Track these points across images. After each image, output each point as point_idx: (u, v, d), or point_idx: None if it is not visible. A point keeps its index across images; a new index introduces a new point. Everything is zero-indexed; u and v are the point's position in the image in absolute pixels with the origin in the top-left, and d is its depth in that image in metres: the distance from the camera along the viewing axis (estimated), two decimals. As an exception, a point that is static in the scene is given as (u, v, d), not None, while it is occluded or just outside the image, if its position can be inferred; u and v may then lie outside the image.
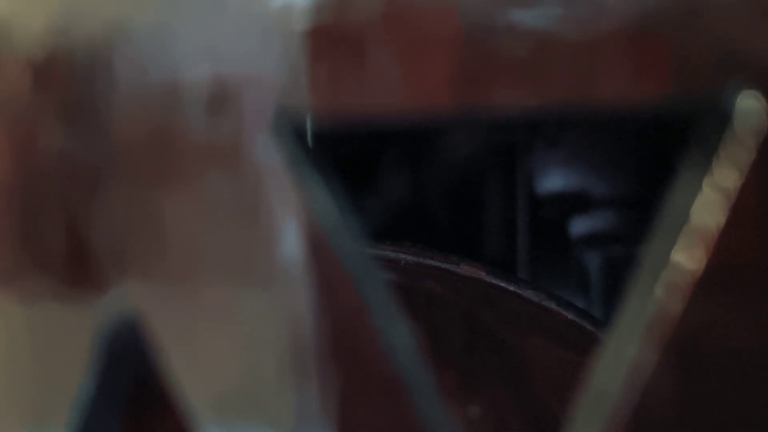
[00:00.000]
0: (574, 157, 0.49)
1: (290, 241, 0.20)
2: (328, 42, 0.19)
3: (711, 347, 0.18)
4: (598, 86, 0.18)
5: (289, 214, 0.20)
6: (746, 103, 0.17)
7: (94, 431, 0.22)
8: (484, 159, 0.48)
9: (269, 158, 0.20)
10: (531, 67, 0.18)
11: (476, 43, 0.18)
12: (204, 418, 0.21)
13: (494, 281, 0.32)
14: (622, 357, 0.18)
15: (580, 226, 0.49)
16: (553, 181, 0.49)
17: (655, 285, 0.18)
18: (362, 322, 0.20)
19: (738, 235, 0.18)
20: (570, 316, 0.32)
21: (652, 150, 0.46)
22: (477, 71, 0.18)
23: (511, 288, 0.32)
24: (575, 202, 0.49)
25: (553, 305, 0.32)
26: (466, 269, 0.32)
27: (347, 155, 0.47)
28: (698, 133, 0.18)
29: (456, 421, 0.20)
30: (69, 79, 0.21)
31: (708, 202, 0.18)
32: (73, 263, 0.21)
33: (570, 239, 0.49)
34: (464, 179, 0.48)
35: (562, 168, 0.49)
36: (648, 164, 0.47)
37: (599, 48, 0.18)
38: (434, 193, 0.48)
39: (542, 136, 0.48)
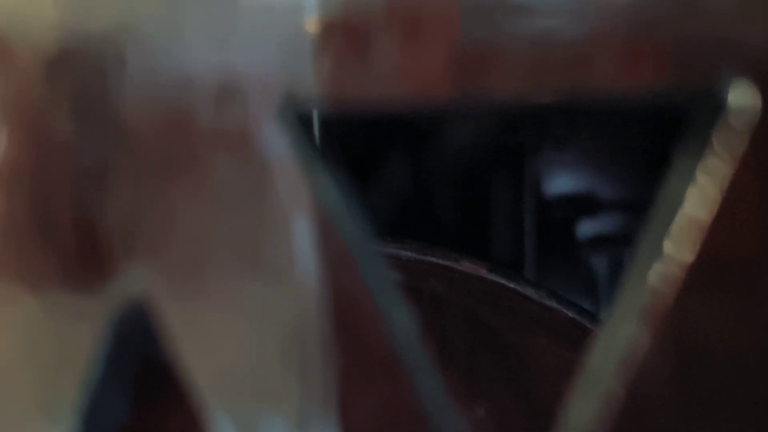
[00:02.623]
0: (582, 160, 0.49)
1: (298, 231, 0.20)
2: (334, 33, 0.19)
3: (708, 343, 0.18)
4: (595, 76, 0.18)
5: (297, 204, 0.20)
6: (739, 92, 0.17)
7: (101, 414, 0.22)
8: (493, 161, 0.48)
9: (277, 148, 0.20)
10: (529, 56, 0.18)
11: (475, 32, 0.18)
12: (212, 403, 0.21)
13: (495, 278, 0.32)
14: (617, 344, 0.18)
15: (587, 228, 0.49)
16: (561, 183, 0.49)
17: (649, 273, 0.18)
18: (366, 309, 0.20)
19: (733, 226, 0.18)
20: (571, 314, 0.32)
21: (659, 153, 0.46)
22: (476, 60, 0.18)
23: (512, 285, 0.32)
24: (583, 205, 0.49)
25: (554, 303, 0.32)
26: (466, 266, 0.32)
27: (356, 156, 0.47)
28: (692, 122, 0.18)
29: (459, 414, 0.21)
30: (80, 70, 0.21)
31: (701, 191, 0.18)
32: (83, 251, 0.21)
33: (577, 241, 0.49)
34: (472, 180, 0.49)
35: (570, 170, 0.49)
36: (655, 167, 0.47)
37: (597, 38, 0.18)
38: (443, 193, 0.49)
39: (550, 138, 0.48)
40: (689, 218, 0.18)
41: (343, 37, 0.19)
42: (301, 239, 0.20)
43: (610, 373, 0.18)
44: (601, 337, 0.19)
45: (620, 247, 0.48)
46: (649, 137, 0.48)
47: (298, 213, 0.20)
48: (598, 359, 0.18)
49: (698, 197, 0.18)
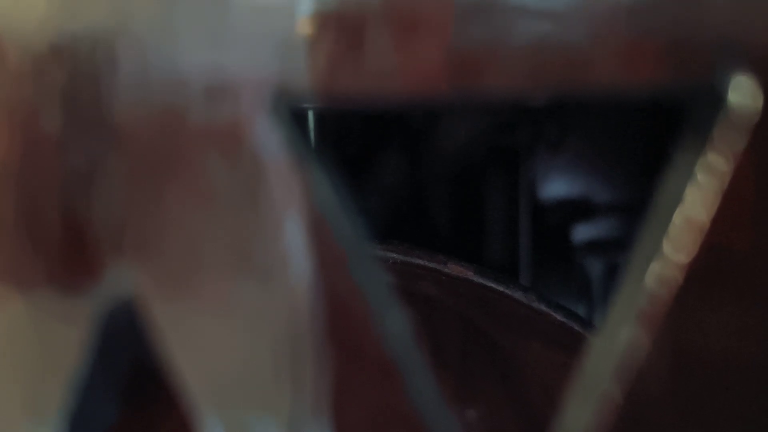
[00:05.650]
0: (577, 164, 0.49)
1: (291, 231, 0.20)
2: (329, 28, 0.19)
3: (705, 345, 0.18)
4: (594, 73, 0.18)
5: (290, 204, 0.20)
6: (739, 87, 0.17)
7: (88, 414, 0.22)
8: (488, 164, 0.48)
9: (270, 148, 0.20)
10: (526, 53, 0.18)
11: (471, 29, 0.18)
12: (203, 407, 0.21)
13: (482, 281, 0.32)
14: (614, 346, 0.18)
15: (582, 232, 0.49)
16: (556, 187, 0.49)
17: (647, 272, 0.18)
18: (359, 310, 0.20)
19: (732, 223, 0.18)
20: (560, 317, 0.32)
21: (655, 157, 0.46)
22: (471, 57, 0.18)
23: (500, 288, 0.32)
24: (578, 209, 0.49)
25: (543, 307, 0.32)
26: (454, 268, 0.32)
27: (351, 159, 0.47)
28: (692, 118, 0.18)
29: (453, 416, 0.21)
30: (71, 69, 0.21)
31: (701, 189, 0.18)
32: (71, 251, 0.21)
33: (572, 246, 0.49)
34: (467, 184, 0.49)
35: (565, 174, 0.49)
36: (651, 171, 0.47)
37: (596, 35, 0.18)
38: (437, 197, 0.48)
39: (546, 141, 0.48)
40: (688, 217, 0.18)
41: (338, 31, 0.19)
42: (294, 240, 0.20)
43: (608, 376, 0.18)
44: (599, 340, 0.18)
45: (615, 251, 0.48)
46: (645, 141, 0.48)
47: (290, 213, 0.20)
48: (596, 362, 0.18)
49: (698, 195, 0.18)
